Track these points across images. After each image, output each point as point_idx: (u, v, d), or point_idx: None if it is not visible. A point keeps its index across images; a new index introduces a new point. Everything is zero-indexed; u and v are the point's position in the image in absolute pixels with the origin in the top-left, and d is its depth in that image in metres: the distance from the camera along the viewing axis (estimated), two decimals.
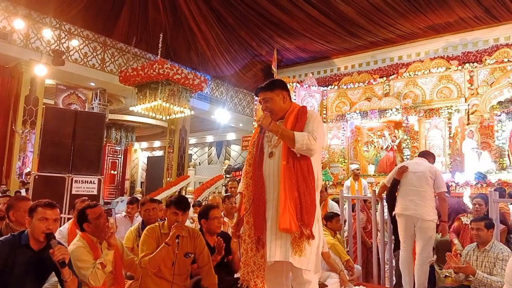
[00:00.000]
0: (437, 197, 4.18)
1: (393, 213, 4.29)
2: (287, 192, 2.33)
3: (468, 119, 8.67)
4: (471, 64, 9.01)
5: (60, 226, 4.27)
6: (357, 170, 8.18)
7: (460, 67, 9.05)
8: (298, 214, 2.32)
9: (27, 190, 7.96)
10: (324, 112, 10.70)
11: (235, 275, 3.81)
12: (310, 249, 2.35)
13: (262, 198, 2.44)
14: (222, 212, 4.59)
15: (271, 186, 2.45)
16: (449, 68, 9.15)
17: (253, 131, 2.69)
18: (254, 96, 11.91)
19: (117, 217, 4.86)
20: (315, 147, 2.40)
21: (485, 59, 8.82)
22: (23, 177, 10.14)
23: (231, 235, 3.62)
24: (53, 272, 2.56)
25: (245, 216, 2.52)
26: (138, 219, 4.58)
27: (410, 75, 9.65)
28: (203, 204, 5.76)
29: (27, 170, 10.36)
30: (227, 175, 11.48)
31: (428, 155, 4.47)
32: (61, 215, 5.50)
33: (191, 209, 6.38)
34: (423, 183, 4.08)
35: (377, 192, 4.89)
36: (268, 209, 2.43)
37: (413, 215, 4.04)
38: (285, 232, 2.31)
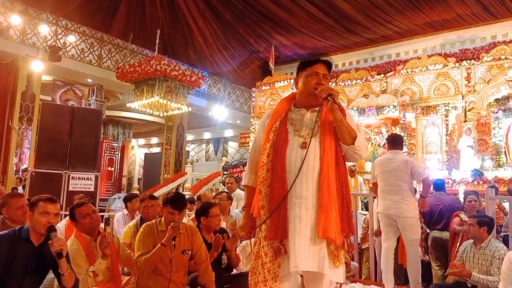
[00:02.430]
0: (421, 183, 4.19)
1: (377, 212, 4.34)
2: (335, 194, 2.01)
3: (465, 116, 8.69)
4: (469, 61, 9.02)
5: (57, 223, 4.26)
6: (353, 166, 8.17)
7: (457, 64, 9.05)
8: (343, 221, 2.02)
9: (24, 187, 7.94)
10: None
11: (233, 272, 3.83)
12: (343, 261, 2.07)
13: (285, 194, 2.04)
14: None
15: (304, 182, 2.04)
16: (447, 65, 9.16)
17: (271, 115, 2.27)
18: (252, 93, 11.91)
19: (117, 217, 4.86)
20: (365, 154, 2.20)
21: (483, 56, 8.82)
22: (20, 174, 10.10)
23: (230, 234, 3.63)
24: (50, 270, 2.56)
25: (262, 215, 2.09)
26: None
27: (407, 72, 9.66)
28: (197, 201, 5.76)
29: (24, 166, 10.33)
30: (225, 172, 11.48)
31: (399, 144, 4.36)
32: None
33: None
34: (399, 180, 4.07)
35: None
36: (295, 207, 2.04)
37: (394, 214, 4.07)
38: (327, 240, 1.98)
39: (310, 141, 2.07)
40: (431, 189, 4.85)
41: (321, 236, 1.95)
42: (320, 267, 1.97)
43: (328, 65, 2.23)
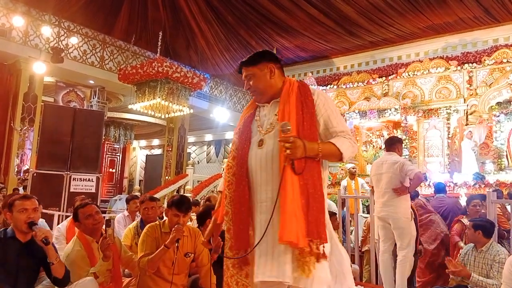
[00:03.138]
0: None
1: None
2: (297, 193, 1.75)
3: (467, 120, 8.68)
4: (470, 64, 9.02)
5: (58, 224, 4.28)
6: (353, 168, 8.18)
7: (459, 68, 9.06)
8: (309, 223, 1.75)
9: (25, 187, 7.95)
10: None
11: None
12: (317, 269, 1.74)
13: (246, 199, 1.89)
14: None
15: (263, 183, 1.87)
16: (448, 69, 9.16)
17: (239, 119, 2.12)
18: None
19: (118, 218, 4.86)
20: (353, 153, 1.96)
21: (484, 60, 8.82)
22: (21, 175, 10.12)
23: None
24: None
25: (226, 222, 1.96)
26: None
27: (409, 75, 9.66)
28: (201, 203, 5.76)
29: (26, 167, 10.34)
30: None
31: (393, 145, 4.34)
32: (59, 213, 5.51)
33: None
34: (389, 182, 4.09)
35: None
36: (260, 213, 1.87)
37: (386, 216, 4.11)
38: (288, 245, 1.73)
39: (266, 139, 1.90)
40: (433, 192, 4.84)
41: (280, 240, 1.70)
42: (280, 275, 1.73)
43: (246, 63, 2.01)
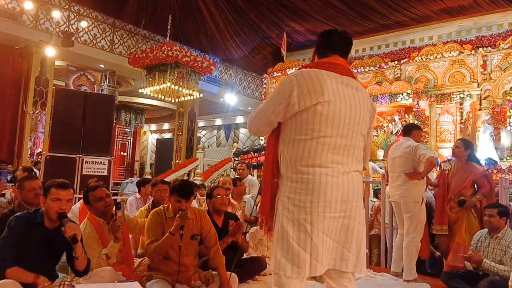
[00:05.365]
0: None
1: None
2: (266, 174, 1.97)
3: (480, 105, 8.56)
4: (485, 48, 8.84)
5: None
6: None
7: (473, 52, 8.88)
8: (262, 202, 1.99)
9: (36, 170, 8.05)
10: None
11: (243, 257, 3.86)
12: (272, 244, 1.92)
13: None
14: (230, 195, 4.63)
15: None
16: (462, 53, 8.99)
17: None
18: (263, 79, 11.86)
19: (130, 200, 4.92)
20: (250, 126, 2.04)
21: (499, 44, 8.63)
22: (35, 157, 10.27)
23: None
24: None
25: None
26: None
27: (422, 59, 9.50)
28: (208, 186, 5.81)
29: (38, 150, 10.48)
30: (236, 158, 11.50)
31: (410, 131, 4.30)
32: None
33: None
34: (401, 166, 4.09)
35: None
36: None
37: (397, 200, 4.15)
38: None
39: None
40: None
41: None
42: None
43: None
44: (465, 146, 4.27)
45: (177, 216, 2.87)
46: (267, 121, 1.93)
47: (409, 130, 4.32)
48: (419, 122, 8.88)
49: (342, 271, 1.87)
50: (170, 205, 3.09)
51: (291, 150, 1.85)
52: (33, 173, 6.77)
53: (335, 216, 1.81)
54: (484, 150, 7.95)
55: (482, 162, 7.52)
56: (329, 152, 1.81)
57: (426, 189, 4.78)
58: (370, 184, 6.89)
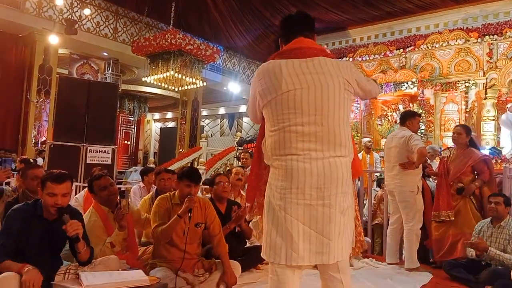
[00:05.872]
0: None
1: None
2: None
3: (486, 93, 8.48)
4: (491, 36, 8.73)
5: (76, 195, 4.37)
6: (369, 143, 8.14)
7: (479, 40, 8.78)
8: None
9: (37, 160, 8.08)
10: None
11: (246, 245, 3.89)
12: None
13: None
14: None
15: None
16: (468, 41, 8.89)
17: None
18: None
19: (133, 189, 4.94)
20: (248, 114, 2.19)
21: (506, 32, 8.53)
22: (39, 146, 10.31)
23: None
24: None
25: None
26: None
27: (427, 47, 9.41)
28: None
29: (43, 139, 10.52)
30: (239, 147, 11.51)
31: (405, 119, 4.29)
32: (77, 183, 5.62)
33: None
34: (398, 157, 4.11)
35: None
36: None
37: (392, 189, 4.20)
38: None
39: None
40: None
41: None
42: None
43: None
44: (467, 132, 4.26)
45: (186, 199, 2.90)
46: (254, 114, 2.06)
47: (404, 119, 4.33)
48: (423, 111, 8.83)
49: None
50: (177, 192, 3.12)
51: (268, 141, 1.91)
52: (34, 161, 6.81)
53: (311, 204, 1.77)
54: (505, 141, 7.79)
55: (487, 151, 7.49)
56: (298, 141, 1.80)
57: (429, 178, 4.79)
58: (374, 174, 6.89)
